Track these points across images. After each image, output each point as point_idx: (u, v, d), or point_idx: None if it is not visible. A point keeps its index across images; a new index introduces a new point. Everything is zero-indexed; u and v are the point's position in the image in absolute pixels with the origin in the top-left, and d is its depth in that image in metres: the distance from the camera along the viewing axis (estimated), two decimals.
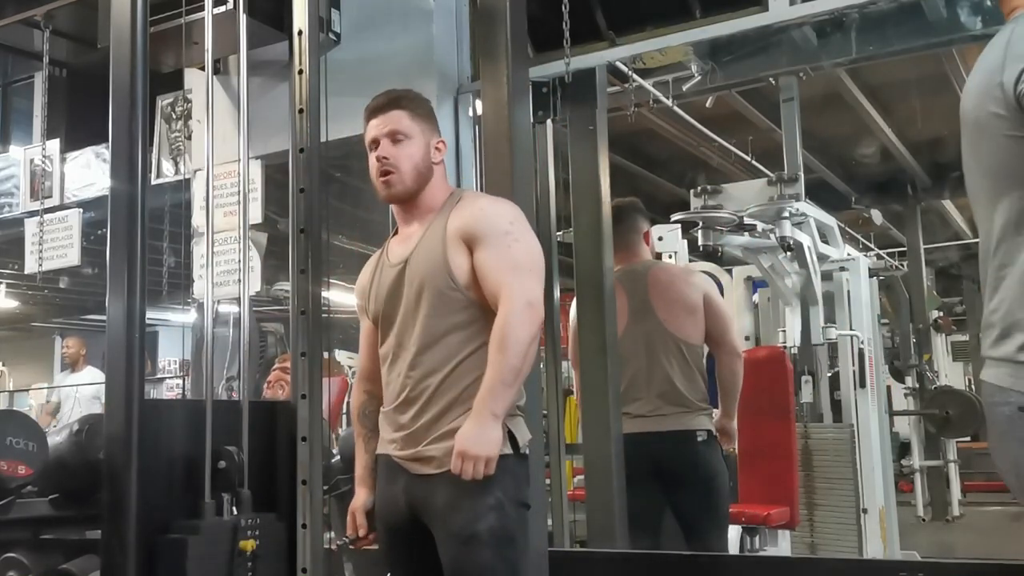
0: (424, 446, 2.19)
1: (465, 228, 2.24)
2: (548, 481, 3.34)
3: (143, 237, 2.56)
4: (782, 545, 4.16)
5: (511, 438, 2.17)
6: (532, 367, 2.20)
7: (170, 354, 12.18)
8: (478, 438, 2.08)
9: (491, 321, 2.16)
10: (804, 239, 4.28)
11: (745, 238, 4.22)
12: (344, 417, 5.00)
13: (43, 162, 5.07)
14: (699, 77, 4.96)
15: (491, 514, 2.12)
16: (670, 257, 6.17)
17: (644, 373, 3.44)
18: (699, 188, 4.39)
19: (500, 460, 2.11)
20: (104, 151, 5.14)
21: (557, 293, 3.59)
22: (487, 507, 2.12)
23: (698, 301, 3.50)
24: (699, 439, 3.37)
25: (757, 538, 3.92)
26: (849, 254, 4.94)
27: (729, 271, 5.77)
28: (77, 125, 5.96)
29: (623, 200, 3.72)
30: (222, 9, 3.07)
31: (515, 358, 2.11)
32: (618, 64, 4.39)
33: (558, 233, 3.60)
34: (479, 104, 2.95)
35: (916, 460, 8.51)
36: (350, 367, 7.24)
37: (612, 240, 3.52)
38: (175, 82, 3.86)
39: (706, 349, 3.61)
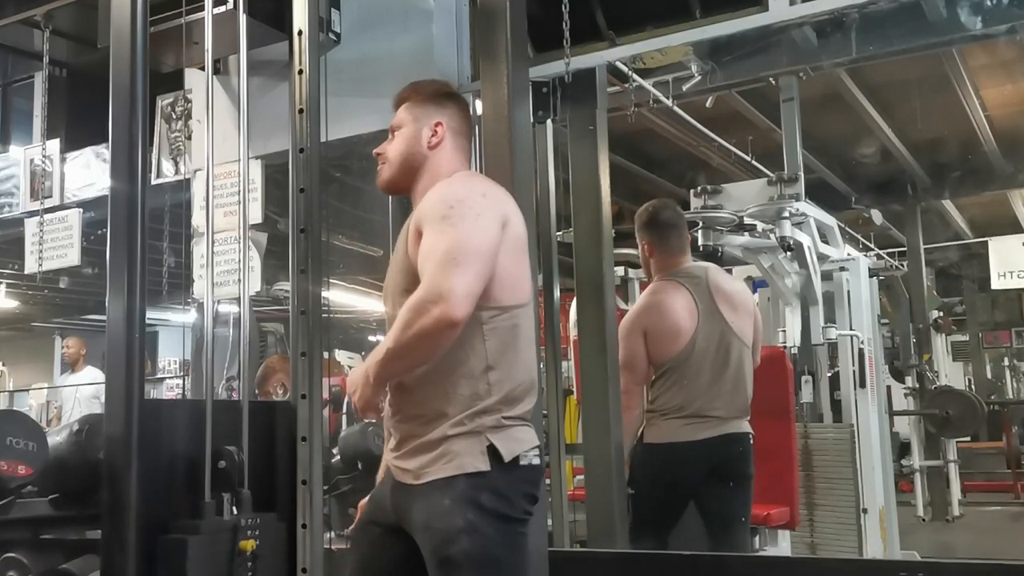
0: (402, 453, 2.12)
1: (417, 218, 2.10)
2: (548, 481, 3.34)
3: (143, 237, 2.56)
4: (782, 545, 4.16)
5: (491, 452, 2.04)
6: (425, 360, 2.00)
7: (170, 354, 12.19)
8: (353, 382, 2.12)
9: (471, 331, 2.05)
10: (804, 239, 4.28)
11: (745, 238, 4.23)
12: (344, 417, 5.00)
13: (43, 162, 5.07)
14: (699, 77, 4.96)
15: (463, 537, 1.99)
16: None
17: (718, 375, 3.48)
18: (699, 188, 4.39)
19: (475, 478, 2.02)
20: (104, 151, 5.14)
21: (557, 293, 3.59)
22: (458, 529, 1.99)
23: (752, 307, 3.65)
24: (751, 440, 3.54)
25: (757, 538, 3.92)
26: (849, 254, 4.94)
27: (729, 271, 5.76)
28: (77, 125, 5.96)
29: (669, 203, 3.77)
30: (222, 9, 3.07)
31: (396, 342, 1.97)
32: (618, 64, 4.39)
33: (558, 233, 3.60)
34: (479, 104, 2.94)
35: (916, 460, 8.51)
36: (350, 367, 7.24)
37: (656, 244, 3.57)
38: (175, 82, 3.86)
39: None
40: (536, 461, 2.13)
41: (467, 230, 2.01)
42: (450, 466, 2.03)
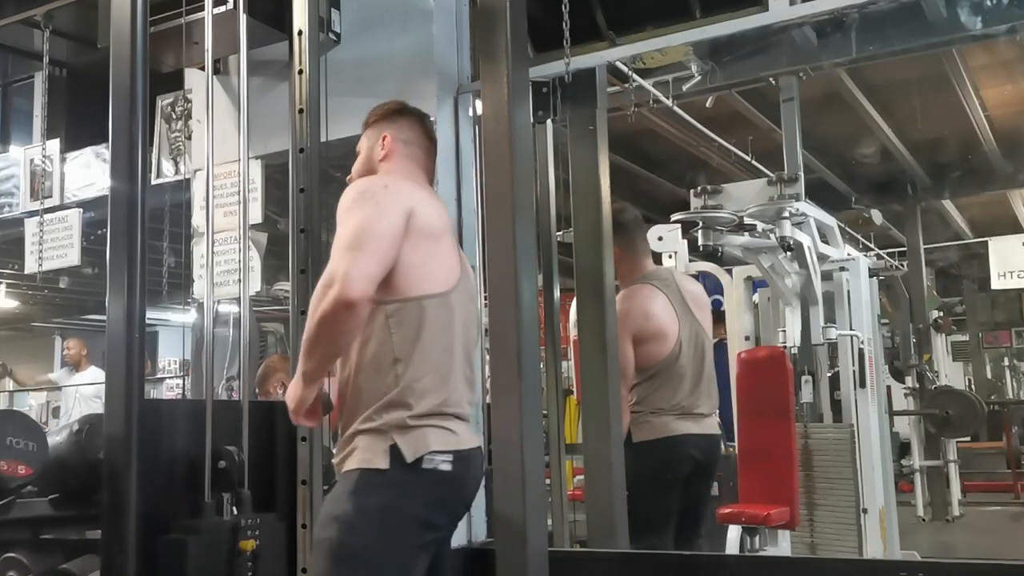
0: (336, 449, 2.23)
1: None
2: (548, 481, 3.34)
3: (143, 237, 2.56)
4: (782, 545, 4.15)
5: (393, 451, 2.07)
6: (333, 347, 2.05)
7: (170, 354, 12.19)
8: (289, 388, 2.18)
9: (379, 324, 2.11)
10: (804, 239, 4.27)
11: (745, 238, 4.22)
12: None
13: (43, 162, 5.07)
14: (699, 77, 4.96)
15: (333, 525, 2.05)
16: (670, 257, 6.18)
17: (699, 374, 3.68)
18: (699, 188, 4.38)
19: (370, 474, 2.06)
20: (104, 151, 5.14)
21: (557, 293, 3.59)
22: (331, 516, 2.07)
23: (709, 307, 3.86)
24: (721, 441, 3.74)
25: (757, 538, 3.92)
26: (849, 254, 4.93)
27: (729, 271, 5.77)
28: (77, 125, 5.96)
29: (627, 207, 3.85)
30: (222, 9, 3.07)
31: (309, 329, 2.06)
32: (618, 64, 4.40)
33: (558, 233, 3.60)
34: (479, 104, 2.94)
35: (916, 460, 8.50)
36: None
37: (626, 247, 3.69)
38: (175, 82, 3.86)
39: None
40: (446, 467, 2.10)
41: (365, 216, 2.09)
42: (353, 460, 2.12)
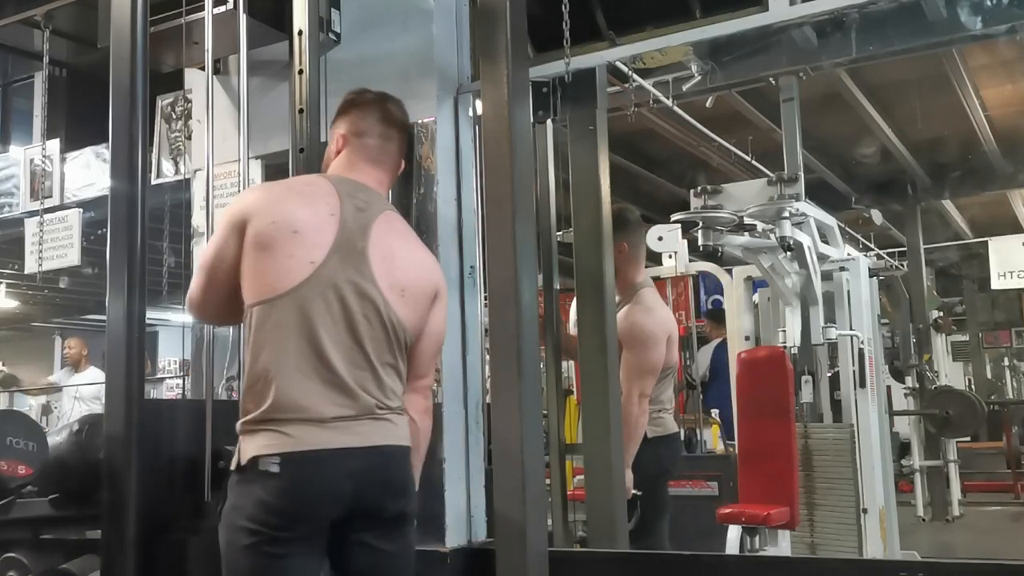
0: None
1: None
2: (548, 481, 3.34)
3: (143, 237, 2.56)
4: (782, 545, 4.15)
5: (238, 454, 2.11)
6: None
7: (170, 354, 12.18)
8: None
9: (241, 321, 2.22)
10: (804, 239, 4.27)
11: (745, 238, 4.22)
12: None
13: (43, 162, 5.07)
14: (699, 77, 4.96)
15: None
16: (670, 257, 6.18)
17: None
18: (699, 188, 4.38)
19: (231, 476, 2.13)
20: (104, 151, 5.14)
21: (557, 293, 3.59)
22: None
23: None
24: None
25: (757, 538, 3.92)
26: (849, 254, 4.93)
27: (729, 271, 5.77)
28: (77, 125, 5.97)
29: (630, 207, 3.96)
30: (222, 9, 3.07)
31: None
32: (618, 64, 4.39)
33: (558, 233, 3.59)
34: (479, 104, 2.94)
35: (916, 460, 8.50)
36: None
37: (633, 246, 3.85)
38: (175, 82, 3.86)
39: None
40: (274, 470, 2.05)
41: (211, 240, 2.30)
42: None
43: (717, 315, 6.97)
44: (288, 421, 2.08)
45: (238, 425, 2.15)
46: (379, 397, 2.15)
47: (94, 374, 8.59)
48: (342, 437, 2.09)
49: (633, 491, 3.53)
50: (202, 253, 2.28)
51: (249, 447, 2.09)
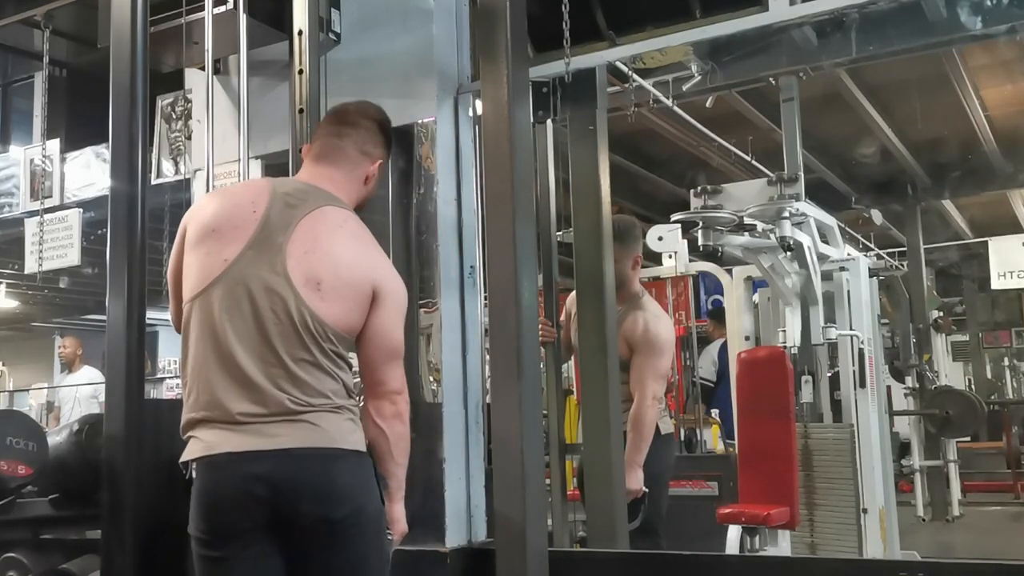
0: None
1: None
2: (548, 481, 3.34)
3: (143, 237, 2.56)
4: (782, 545, 4.15)
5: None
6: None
7: (170, 354, 12.19)
8: None
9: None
10: (804, 239, 4.27)
11: (745, 238, 4.22)
12: None
13: (43, 162, 5.07)
14: (699, 77, 4.96)
15: None
16: (670, 257, 6.19)
17: None
18: (699, 188, 4.38)
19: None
20: (104, 151, 5.14)
21: (556, 293, 3.59)
22: None
23: None
24: None
25: (757, 538, 3.92)
26: (849, 254, 4.93)
27: (729, 271, 5.77)
28: (77, 125, 5.97)
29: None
30: (222, 9, 3.07)
31: None
32: (618, 64, 4.39)
33: (558, 233, 3.60)
34: (479, 104, 2.94)
35: (916, 460, 8.50)
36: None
37: (638, 258, 3.97)
38: (175, 82, 3.86)
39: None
40: (194, 474, 2.08)
41: None
42: None
43: (720, 315, 6.97)
44: (204, 422, 2.09)
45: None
46: (295, 395, 2.07)
47: (89, 374, 8.58)
48: (248, 440, 2.04)
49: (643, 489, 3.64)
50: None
51: (184, 454, 2.13)
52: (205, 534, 2.06)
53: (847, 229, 8.42)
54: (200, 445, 2.08)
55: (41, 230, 4.63)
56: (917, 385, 8.73)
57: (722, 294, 6.46)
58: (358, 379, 2.25)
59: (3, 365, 13.71)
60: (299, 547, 2.07)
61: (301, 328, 2.09)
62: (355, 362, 2.24)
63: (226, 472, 2.05)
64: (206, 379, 2.09)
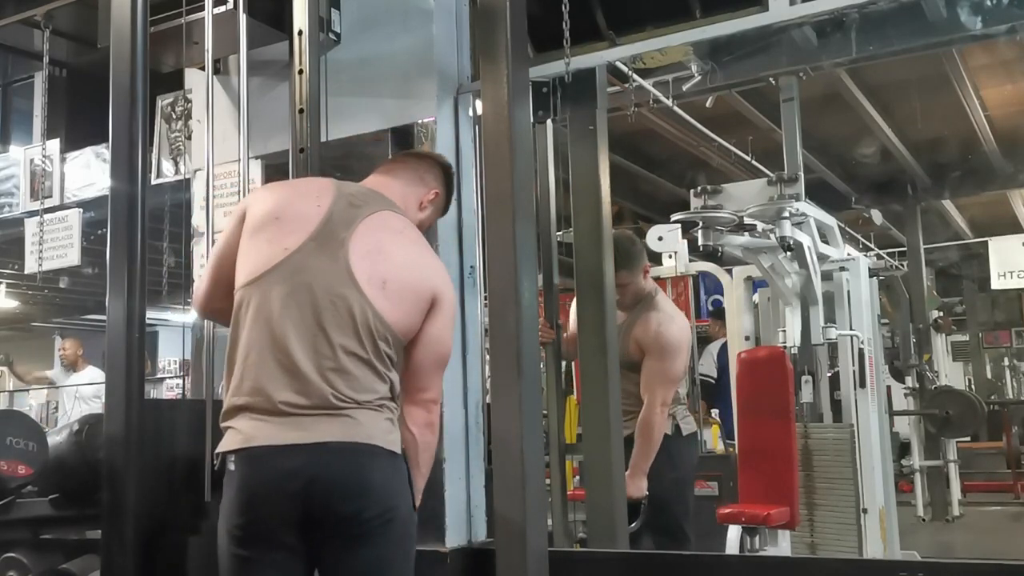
0: None
1: None
2: (548, 481, 3.34)
3: (143, 237, 2.56)
4: (782, 545, 4.15)
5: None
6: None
7: (170, 354, 12.18)
8: None
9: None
10: (804, 239, 4.27)
11: (745, 238, 4.22)
12: None
13: (43, 162, 5.07)
14: (699, 77, 4.96)
15: None
16: (670, 257, 6.18)
17: None
18: (699, 188, 4.38)
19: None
20: (104, 151, 5.14)
21: (556, 293, 3.59)
22: None
23: None
24: None
25: (757, 538, 3.92)
26: (849, 254, 4.93)
27: (729, 271, 5.77)
28: (77, 125, 5.96)
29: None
30: (222, 9, 3.07)
31: None
32: (618, 64, 4.39)
33: (558, 233, 3.60)
34: (479, 104, 2.94)
35: (916, 460, 8.50)
36: None
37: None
38: (175, 82, 3.86)
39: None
40: (232, 467, 2.06)
41: None
42: None
43: (722, 314, 6.98)
44: (244, 410, 2.07)
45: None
46: (340, 389, 2.06)
47: (92, 374, 8.59)
48: (286, 432, 2.04)
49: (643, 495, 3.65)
50: (212, 249, 2.33)
51: (220, 444, 2.12)
52: (240, 530, 2.04)
53: (847, 229, 8.42)
54: (238, 437, 2.07)
55: (41, 230, 4.63)
56: (917, 385, 8.73)
57: (722, 294, 6.46)
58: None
59: (3, 365, 13.69)
60: (326, 546, 2.06)
61: (361, 325, 2.10)
62: None
63: (263, 465, 2.04)
64: (254, 364, 2.09)
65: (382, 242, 2.20)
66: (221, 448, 2.10)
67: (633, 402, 3.73)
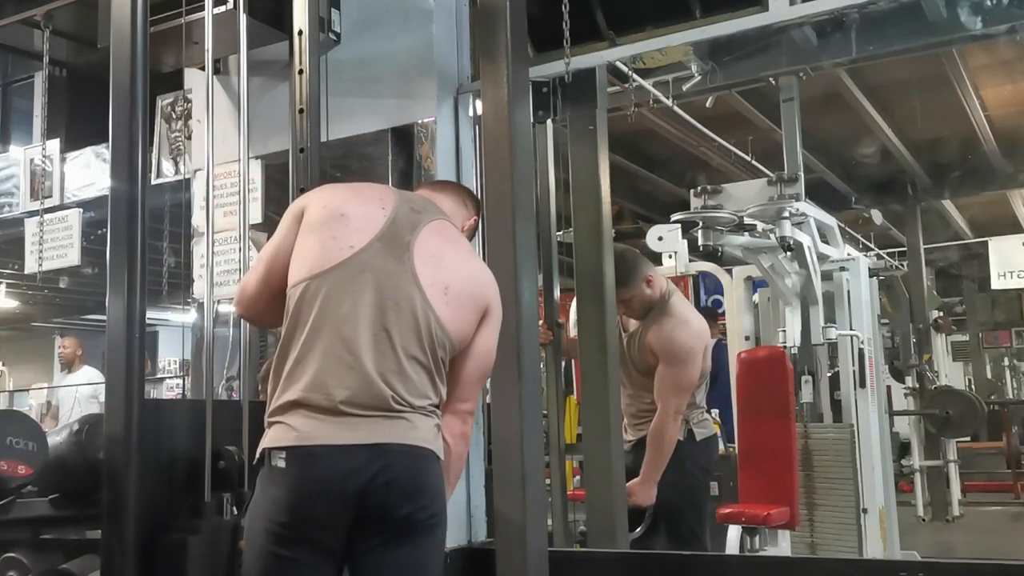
0: None
1: None
2: (548, 481, 3.34)
3: (143, 237, 2.56)
4: (782, 545, 4.16)
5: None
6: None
7: (170, 354, 12.18)
8: None
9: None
10: (804, 239, 4.27)
11: (745, 238, 4.22)
12: None
13: (43, 162, 5.07)
14: (699, 77, 4.96)
15: None
16: (670, 257, 6.19)
17: None
18: (699, 188, 4.38)
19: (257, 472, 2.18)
20: (104, 151, 5.14)
21: (557, 293, 3.59)
22: None
23: None
24: None
25: (757, 538, 3.92)
26: (849, 254, 4.93)
27: (729, 271, 5.77)
28: (77, 125, 5.96)
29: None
30: (222, 9, 3.07)
31: None
32: (618, 64, 4.39)
33: (558, 233, 3.60)
34: (479, 104, 2.94)
35: (916, 460, 8.50)
36: None
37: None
38: (175, 82, 3.86)
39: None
40: (280, 464, 2.03)
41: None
42: None
43: (711, 314, 6.97)
44: (299, 406, 2.04)
45: (267, 416, 2.13)
46: (400, 392, 2.06)
47: (88, 374, 8.57)
48: (345, 433, 2.02)
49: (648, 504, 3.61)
50: (264, 247, 2.29)
51: (264, 440, 2.09)
52: (284, 528, 2.01)
53: (847, 229, 8.42)
54: (292, 434, 2.03)
55: (41, 230, 4.62)
56: (917, 385, 8.73)
57: (722, 294, 6.45)
58: None
59: (3, 365, 13.70)
60: (368, 546, 2.04)
61: (423, 328, 2.11)
62: None
63: (321, 465, 2.01)
64: (314, 360, 2.07)
65: (443, 249, 2.22)
66: (270, 444, 2.05)
67: (651, 406, 3.71)
